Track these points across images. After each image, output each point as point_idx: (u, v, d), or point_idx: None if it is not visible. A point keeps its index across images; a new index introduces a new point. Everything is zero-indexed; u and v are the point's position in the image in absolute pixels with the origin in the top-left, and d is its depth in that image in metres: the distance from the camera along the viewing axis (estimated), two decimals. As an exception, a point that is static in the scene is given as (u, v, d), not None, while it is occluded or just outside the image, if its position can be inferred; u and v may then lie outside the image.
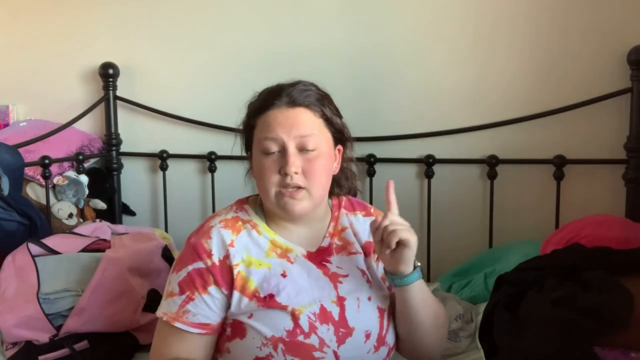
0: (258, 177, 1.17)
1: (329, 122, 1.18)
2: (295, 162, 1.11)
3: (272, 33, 2.28)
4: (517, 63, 2.04)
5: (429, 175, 2.11)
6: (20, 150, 2.10)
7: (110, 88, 2.44)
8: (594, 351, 1.16)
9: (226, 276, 1.12)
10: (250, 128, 1.19)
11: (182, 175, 2.44)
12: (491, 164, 2.04)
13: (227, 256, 1.13)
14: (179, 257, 1.17)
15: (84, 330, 1.54)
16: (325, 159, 1.16)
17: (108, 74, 2.42)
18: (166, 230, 2.41)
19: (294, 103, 1.15)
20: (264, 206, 1.22)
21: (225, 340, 1.14)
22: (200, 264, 1.13)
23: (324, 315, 1.12)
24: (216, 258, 1.13)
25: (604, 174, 1.97)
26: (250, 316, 1.11)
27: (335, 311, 1.13)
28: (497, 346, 1.27)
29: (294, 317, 1.10)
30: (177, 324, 1.12)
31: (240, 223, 1.18)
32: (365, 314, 1.16)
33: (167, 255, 1.83)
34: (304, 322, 1.10)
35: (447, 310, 1.65)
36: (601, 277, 1.26)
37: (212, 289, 1.12)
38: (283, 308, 1.10)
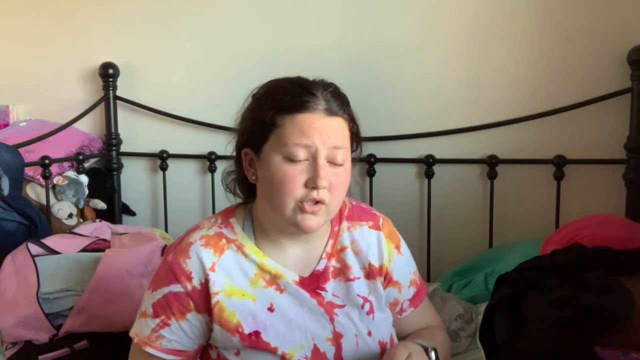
0: (274, 185, 0.98)
1: (355, 137, 1.07)
2: (326, 175, 0.97)
3: (272, 33, 2.28)
4: (517, 63, 2.04)
5: (429, 175, 2.11)
6: (20, 150, 2.09)
7: (110, 88, 2.44)
8: (594, 351, 1.16)
9: (207, 302, 1.01)
10: (270, 125, 1.00)
11: (182, 175, 2.44)
12: (491, 164, 2.04)
13: (207, 281, 1.00)
14: (156, 274, 1.05)
15: (84, 330, 1.54)
16: (348, 174, 1.03)
17: (108, 74, 2.42)
18: (166, 230, 2.41)
19: (331, 111, 1.00)
20: (255, 219, 1.07)
21: None
22: (178, 287, 1.00)
23: (317, 357, 1.01)
24: (197, 281, 1.00)
25: (604, 174, 1.97)
26: (238, 353, 1.01)
27: (330, 352, 1.02)
28: (498, 346, 1.27)
29: None
30: (149, 349, 1.01)
31: (224, 241, 1.03)
32: (363, 353, 1.05)
33: (167, 255, 1.83)
34: None
35: (447, 312, 1.66)
36: (601, 277, 1.26)
37: (190, 315, 1.01)
38: (272, 351, 0.99)
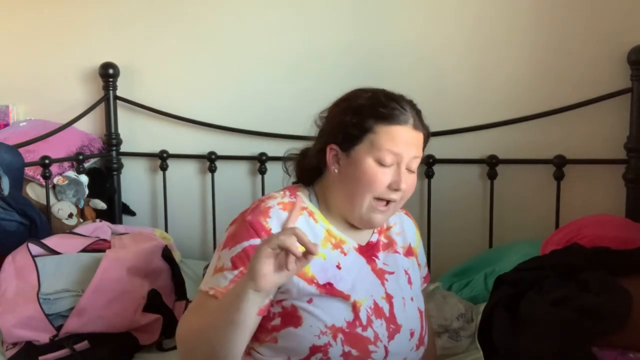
0: (362, 182, 1.13)
1: (423, 150, 1.22)
2: (406, 180, 1.14)
3: (274, 33, 2.28)
4: (517, 63, 2.04)
5: (429, 175, 2.11)
6: (20, 150, 2.10)
7: (110, 88, 2.44)
8: (592, 352, 1.16)
9: None
10: (366, 130, 1.14)
11: (182, 175, 2.44)
12: (491, 164, 2.04)
13: None
14: (232, 234, 1.13)
15: (84, 331, 1.55)
16: (416, 177, 1.19)
17: (108, 74, 2.42)
18: (166, 230, 2.41)
19: (417, 127, 1.16)
20: (320, 199, 1.21)
21: (271, 330, 1.11)
22: (257, 241, 1.08)
23: (377, 310, 1.14)
24: None
25: (604, 174, 1.97)
26: (310, 301, 1.10)
27: (385, 307, 1.15)
28: (496, 346, 1.27)
29: (355, 308, 1.10)
30: None
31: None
32: (410, 313, 1.19)
33: (167, 255, 1.83)
34: (363, 315, 1.11)
35: (448, 310, 1.66)
36: (600, 278, 1.26)
37: None
38: (346, 297, 1.11)
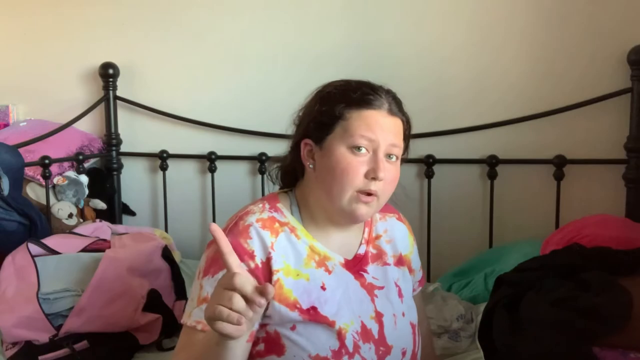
0: (337, 173, 1.05)
1: (406, 140, 1.15)
2: (384, 168, 1.05)
3: (273, 33, 2.28)
4: (517, 63, 2.04)
5: (429, 175, 2.11)
6: (20, 150, 2.10)
7: (110, 88, 2.44)
8: (592, 352, 1.16)
9: (269, 279, 1.03)
10: (338, 117, 1.07)
11: (182, 175, 2.44)
12: (491, 164, 2.04)
13: (269, 259, 1.04)
14: (211, 259, 1.04)
15: (84, 330, 1.54)
16: (399, 170, 1.11)
17: (108, 74, 2.42)
18: (166, 230, 2.41)
19: (392, 112, 1.08)
20: (302, 206, 1.13)
21: (255, 355, 1.04)
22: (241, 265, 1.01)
23: (365, 333, 1.07)
24: (259, 260, 1.03)
25: (604, 174, 1.97)
26: (294, 328, 1.04)
27: (374, 329, 1.09)
28: (496, 347, 1.27)
29: (340, 336, 1.04)
30: None
31: (277, 225, 1.08)
32: (401, 332, 1.13)
33: (167, 255, 1.83)
34: (349, 342, 1.05)
35: (448, 311, 1.66)
36: (600, 278, 1.26)
37: None
38: (331, 324, 1.04)
